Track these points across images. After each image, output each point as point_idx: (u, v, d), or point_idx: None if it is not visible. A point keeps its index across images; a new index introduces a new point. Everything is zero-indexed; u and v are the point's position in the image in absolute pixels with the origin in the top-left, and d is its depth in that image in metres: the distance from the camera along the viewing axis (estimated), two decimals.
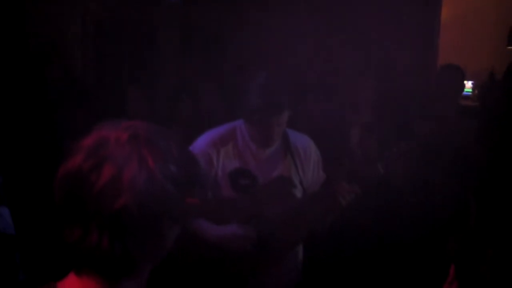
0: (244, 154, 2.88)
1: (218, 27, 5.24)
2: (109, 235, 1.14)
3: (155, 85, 4.93)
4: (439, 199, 3.43)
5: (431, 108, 3.88)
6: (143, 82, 4.73)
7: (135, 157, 1.16)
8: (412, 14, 5.20)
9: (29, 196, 3.77)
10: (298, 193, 2.90)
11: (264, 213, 2.83)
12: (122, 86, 4.60)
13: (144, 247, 1.19)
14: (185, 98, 4.60)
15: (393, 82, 4.45)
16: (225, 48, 5.19)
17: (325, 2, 5.12)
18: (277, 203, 2.84)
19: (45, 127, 4.10)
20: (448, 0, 6.13)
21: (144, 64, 5.19)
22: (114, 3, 5.18)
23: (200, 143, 2.87)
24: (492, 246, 1.46)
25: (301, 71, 4.48)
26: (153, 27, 5.29)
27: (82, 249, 1.16)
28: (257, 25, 5.00)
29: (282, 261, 2.92)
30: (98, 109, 4.29)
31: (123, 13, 5.16)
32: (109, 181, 1.13)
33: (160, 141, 1.21)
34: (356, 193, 2.73)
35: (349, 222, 3.18)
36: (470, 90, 5.99)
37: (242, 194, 2.84)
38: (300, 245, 3.04)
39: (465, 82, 4.32)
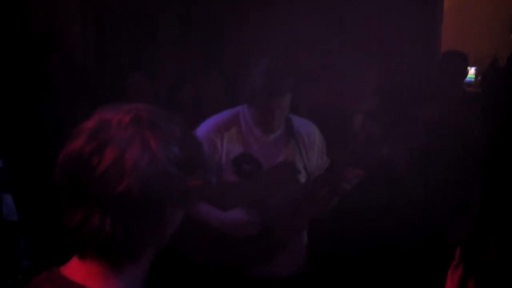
0: (248, 140, 2.88)
1: (219, 13, 5.22)
2: (112, 218, 1.13)
3: (156, 72, 4.92)
4: (442, 182, 3.43)
5: (434, 94, 3.87)
6: (144, 70, 4.71)
7: (137, 139, 1.14)
8: (414, 0, 5.17)
9: (32, 182, 3.77)
10: (302, 178, 2.90)
11: (268, 198, 2.83)
12: (123, 75, 4.58)
13: (147, 231, 1.18)
14: (186, 85, 4.60)
15: (396, 68, 4.44)
16: (227, 34, 5.17)
17: None
18: (281, 188, 2.85)
19: (46, 116, 4.10)
20: None
21: (145, 52, 5.17)
22: None
23: (204, 129, 2.87)
24: (498, 229, 1.45)
25: (303, 56, 4.47)
26: (153, 14, 5.27)
27: (84, 233, 1.16)
28: (258, 11, 4.98)
29: (286, 247, 2.92)
30: (99, 98, 4.28)
31: (123, 1, 5.14)
32: (111, 164, 1.12)
33: (163, 124, 1.20)
34: (360, 177, 2.73)
35: (353, 207, 3.19)
36: (473, 76, 5.97)
37: (246, 179, 2.85)
38: (305, 231, 3.04)
39: (468, 68, 4.31)
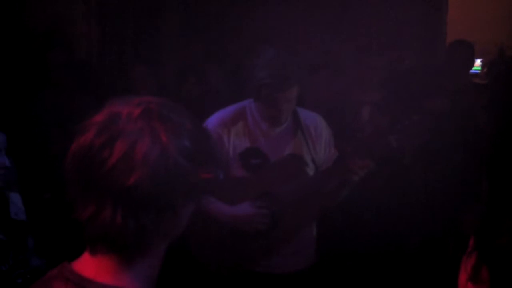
0: (255, 134, 2.88)
1: (224, 4, 5.21)
2: (123, 212, 1.12)
3: (160, 66, 4.90)
4: (451, 170, 3.42)
5: (441, 83, 3.85)
6: (149, 62, 4.70)
7: (147, 132, 1.14)
8: None
9: (39, 180, 3.77)
10: (310, 171, 2.89)
11: (276, 191, 2.82)
12: (127, 67, 4.58)
13: (158, 224, 1.17)
14: (190, 77, 4.58)
15: (403, 59, 4.42)
16: (231, 26, 5.15)
17: None
18: (289, 181, 2.83)
19: (51, 113, 4.09)
20: None
21: (149, 45, 5.16)
22: None
23: (210, 124, 2.87)
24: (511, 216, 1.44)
25: (309, 47, 4.46)
26: (157, 6, 5.26)
27: (95, 226, 1.15)
28: (264, 2, 4.96)
29: (295, 240, 2.92)
30: (103, 91, 4.28)
31: None
32: (121, 157, 1.11)
33: (173, 116, 1.19)
34: (369, 169, 2.72)
35: (363, 198, 3.17)
36: (479, 68, 5.93)
37: (253, 173, 2.84)
38: (314, 224, 3.03)
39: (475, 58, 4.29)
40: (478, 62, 5.76)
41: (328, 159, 2.95)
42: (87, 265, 1.21)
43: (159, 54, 5.14)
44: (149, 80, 4.35)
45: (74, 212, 1.17)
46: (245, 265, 2.88)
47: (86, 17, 5.01)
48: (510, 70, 4.12)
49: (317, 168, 2.90)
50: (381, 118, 3.42)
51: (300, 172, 2.88)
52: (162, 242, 1.24)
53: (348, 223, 3.48)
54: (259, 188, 2.84)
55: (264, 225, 2.79)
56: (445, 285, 1.83)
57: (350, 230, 3.50)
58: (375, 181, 2.92)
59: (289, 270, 2.92)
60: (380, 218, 3.48)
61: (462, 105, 3.65)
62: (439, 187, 3.47)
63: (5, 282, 2.58)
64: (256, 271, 2.89)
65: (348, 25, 4.60)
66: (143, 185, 1.11)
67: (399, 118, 2.81)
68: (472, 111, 3.57)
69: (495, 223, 1.48)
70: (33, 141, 3.97)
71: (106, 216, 1.13)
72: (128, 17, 5.18)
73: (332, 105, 3.46)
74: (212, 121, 2.89)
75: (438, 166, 3.47)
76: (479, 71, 5.93)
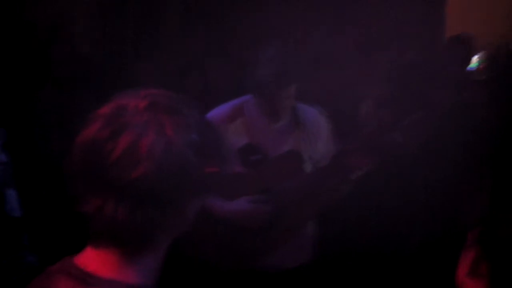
0: (253, 130, 2.87)
1: (224, 2, 5.20)
2: (128, 205, 1.11)
3: (162, 60, 4.89)
4: (454, 165, 3.40)
5: (443, 79, 3.85)
6: (151, 58, 4.70)
7: (153, 124, 1.12)
8: None
9: (36, 177, 3.74)
10: (309, 167, 2.87)
11: (275, 188, 2.80)
12: (128, 65, 4.56)
13: (163, 219, 1.16)
14: (192, 72, 4.57)
15: (403, 54, 4.42)
16: (232, 21, 5.13)
17: None
18: (288, 178, 2.81)
19: (51, 109, 4.07)
20: None
21: (151, 40, 5.15)
22: None
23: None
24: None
25: (311, 42, 4.46)
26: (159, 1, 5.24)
27: (99, 220, 1.14)
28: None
29: (294, 238, 2.89)
30: (106, 87, 4.25)
31: None
32: (126, 149, 1.10)
33: (180, 109, 1.18)
34: (371, 165, 2.69)
35: (362, 195, 3.15)
36: (477, 64, 5.93)
37: (252, 169, 2.82)
38: (313, 222, 3.01)
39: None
40: (475, 58, 5.74)
41: (327, 155, 2.92)
42: (90, 259, 1.20)
43: (160, 52, 5.12)
44: (152, 76, 4.34)
45: (78, 206, 1.16)
46: (243, 262, 2.86)
47: (87, 15, 5.00)
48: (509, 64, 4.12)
49: (316, 164, 2.87)
50: (384, 113, 3.41)
51: (299, 169, 2.86)
52: (166, 238, 1.23)
53: (346, 221, 3.46)
54: (258, 184, 2.82)
55: (262, 222, 2.77)
56: (444, 285, 1.81)
57: (348, 228, 3.48)
58: (375, 178, 2.89)
59: (287, 267, 2.90)
60: (379, 216, 3.48)
61: (465, 99, 3.64)
62: (439, 184, 3.46)
63: (0, 279, 2.56)
64: (254, 269, 2.87)
65: (349, 22, 4.59)
66: (148, 178, 1.10)
67: (402, 114, 2.79)
68: (474, 105, 3.56)
69: (497, 216, 1.46)
70: (32, 137, 3.95)
71: (110, 209, 1.12)
72: (128, 16, 5.16)
73: (333, 101, 3.44)
74: (211, 117, 2.86)
75: (438, 163, 3.45)
76: (475, 68, 5.92)
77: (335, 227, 3.33)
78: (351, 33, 4.36)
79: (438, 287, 2.73)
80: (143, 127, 1.12)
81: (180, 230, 1.24)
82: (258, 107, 2.85)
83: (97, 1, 5.03)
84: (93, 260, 1.19)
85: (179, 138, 1.13)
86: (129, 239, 1.16)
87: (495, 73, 3.47)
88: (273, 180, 2.82)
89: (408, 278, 3.53)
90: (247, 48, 4.16)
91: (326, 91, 3.76)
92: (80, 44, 4.87)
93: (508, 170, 1.98)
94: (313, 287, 3.03)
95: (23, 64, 4.51)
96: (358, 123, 3.53)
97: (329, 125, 2.99)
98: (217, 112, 2.91)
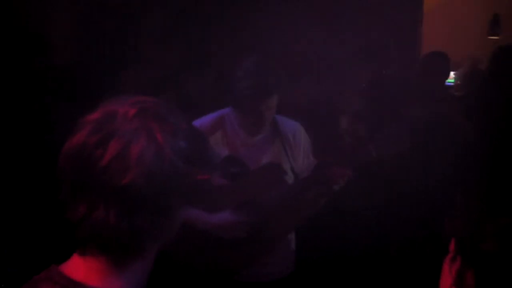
0: (233, 142, 2.87)
1: (205, 10, 5.20)
2: (116, 212, 1.11)
3: (142, 70, 4.87)
4: (431, 177, 3.45)
5: (418, 94, 3.91)
6: (128, 71, 4.68)
7: (143, 131, 1.13)
8: (396, 3, 5.23)
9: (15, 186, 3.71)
10: (290, 179, 2.88)
11: (255, 200, 2.82)
12: (108, 74, 4.54)
13: (152, 226, 1.15)
14: (171, 83, 4.56)
15: (382, 70, 4.47)
16: (212, 33, 5.14)
17: None
18: (268, 190, 2.83)
19: (32, 116, 4.04)
20: None
21: (131, 51, 5.13)
22: None
23: None
24: (494, 219, 1.46)
25: (289, 56, 4.49)
26: (139, 11, 5.23)
27: (87, 227, 1.13)
28: (244, 10, 4.97)
29: (274, 249, 2.90)
30: (87, 97, 4.23)
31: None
32: (115, 156, 1.10)
33: (169, 116, 1.18)
34: (348, 178, 2.72)
35: (342, 206, 3.18)
36: (453, 80, 6.02)
37: (233, 182, 2.82)
38: (293, 233, 3.03)
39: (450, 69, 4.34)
40: (452, 74, 5.84)
41: (306, 167, 2.96)
42: (76, 267, 1.19)
43: (138, 64, 5.10)
44: (128, 89, 4.32)
45: (65, 212, 1.15)
46: (226, 274, 2.87)
47: (65, 27, 4.97)
48: (483, 83, 4.21)
49: (297, 176, 2.90)
50: (361, 127, 3.45)
51: (279, 181, 2.87)
52: (154, 246, 1.22)
53: (326, 231, 3.48)
54: (239, 197, 2.82)
55: (244, 234, 2.77)
56: None
57: (328, 237, 3.50)
58: (354, 189, 2.92)
59: (269, 278, 2.92)
60: (360, 226, 3.50)
61: (439, 114, 3.70)
62: (418, 195, 3.51)
63: None
64: (236, 280, 2.88)
65: (328, 36, 4.63)
66: (138, 185, 1.10)
67: (378, 127, 2.84)
68: (449, 120, 3.63)
69: (477, 228, 1.49)
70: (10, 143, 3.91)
71: (99, 216, 1.11)
72: (106, 28, 5.14)
73: (312, 113, 3.46)
74: None
75: (417, 174, 3.50)
76: (453, 83, 6.02)
77: (314, 237, 3.35)
78: (331, 48, 4.41)
79: None
80: (133, 133, 1.12)
81: (167, 237, 1.23)
82: (238, 119, 2.84)
83: (75, 13, 5.01)
84: (80, 268, 1.18)
85: (169, 145, 1.14)
86: (117, 246, 1.15)
87: (469, 90, 3.55)
88: (254, 192, 2.83)
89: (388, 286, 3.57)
90: (228, 60, 4.18)
91: (304, 103, 3.79)
92: (58, 55, 4.84)
93: (486, 182, 2.02)
94: None
95: (5, 72, 4.46)
96: (336, 136, 3.57)
97: (307, 137, 3.01)
98: (197, 124, 2.89)
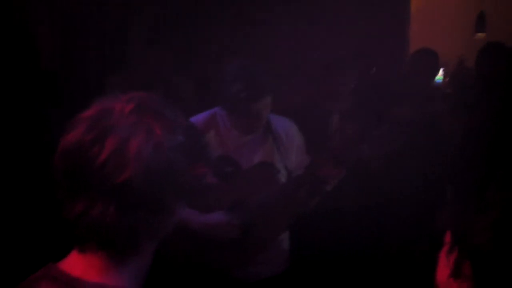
0: (226, 141, 2.86)
1: (191, 14, 5.20)
2: (114, 208, 1.11)
3: (128, 74, 4.87)
4: (422, 175, 3.48)
5: (407, 92, 3.92)
6: (118, 72, 4.67)
7: (141, 127, 1.12)
8: (383, 3, 5.26)
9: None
10: (283, 177, 2.89)
11: (248, 199, 2.82)
12: (94, 79, 4.53)
13: (150, 221, 1.16)
14: (158, 86, 4.55)
15: (370, 68, 4.49)
16: (199, 35, 5.14)
17: None
18: (261, 189, 2.83)
19: (14, 122, 4.02)
20: None
21: (117, 55, 5.12)
22: None
23: None
24: (487, 212, 1.47)
25: (278, 56, 4.50)
26: (125, 15, 5.22)
27: (86, 223, 1.12)
28: (231, 11, 4.98)
29: (267, 248, 2.92)
30: (69, 102, 4.22)
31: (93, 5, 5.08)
32: (113, 152, 1.09)
33: (166, 111, 1.18)
34: (340, 177, 2.73)
35: (334, 205, 3.19)
36: (441, 77, 6.05)
37: (226, 181, 2.82)
38: (286, 232, 3.04)
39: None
40: (440, 72, 5.87)
41: (300, 165, 2.95)
42: (75, 264, 1.19)
43: (127, 66, 5.10)
44: (121, 88, 4.31)
45: (63, 210, 1.15)
46: (218, 273, 2.87)
47: (50, 25, 4.95)
48: (470, 80, 4.24)
49: (290, 174, 2.90)
50: (351, 126, 3.46)
51: (272, 180, 2.88)
52: (152, 242, 1.23)
53: (318, 229, 3.49)
54: (231, 196, 2.82)
55: (236, 234, 2.78)
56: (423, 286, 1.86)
57: (320, 236, 3.51)
58: (347, 190, 2.94)
59: (262, 277, 2.92)
60: (352, 224, 3.51)
61: (429, 112, 3.72)
62: (408, 193, 3.53)
63: None
64: (230, 279, 2.89)
65: (317, 36, 4.65)
66: (136, 181, 1.10)
67: (368, 127, 2.85)
68: (438, 118, 3.65)
69: (469, 222, 1.51)
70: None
71: (97, 213, 1.11)
72: (95, 29, 5.13)
73: (302, 113, 3.47)
74: None
75: (407, 173, 3.52)
76: (441, 81, 6.06)
77: (307, 235, 3.36)
78: (320, 47, 4.42)
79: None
80: (130, 129, 1.11)
81: (166, 232, 1.24)
82: (230, 119, 2.83)
83: (60, 16, 4.99)
84: (78, 265, 1.18)
85: (167, 140, 1.14)
86: (116, 243, 1.15)
87: (456, 87, 3.59)
88: (246, 191, 2.82)
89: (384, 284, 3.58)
90: (214, 61, 4.19)
91: (295, 102, 3.80)
92: (45, 60, 4.82)
93: (475, 177, 2.05)
94: None
95: None
96: (327, 136, 3.58)
97: (300, 135, 3.02)
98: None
